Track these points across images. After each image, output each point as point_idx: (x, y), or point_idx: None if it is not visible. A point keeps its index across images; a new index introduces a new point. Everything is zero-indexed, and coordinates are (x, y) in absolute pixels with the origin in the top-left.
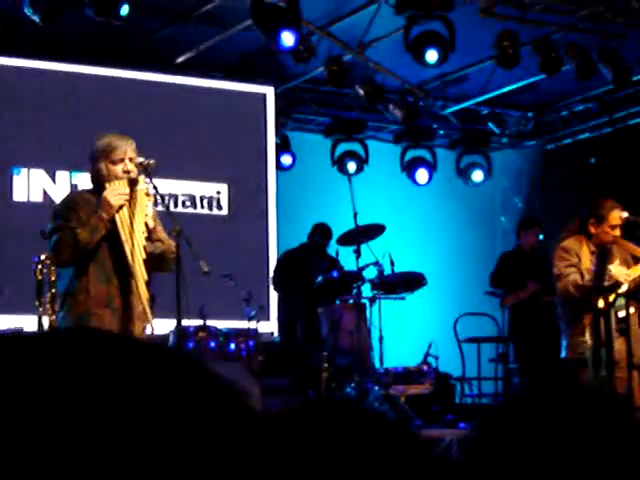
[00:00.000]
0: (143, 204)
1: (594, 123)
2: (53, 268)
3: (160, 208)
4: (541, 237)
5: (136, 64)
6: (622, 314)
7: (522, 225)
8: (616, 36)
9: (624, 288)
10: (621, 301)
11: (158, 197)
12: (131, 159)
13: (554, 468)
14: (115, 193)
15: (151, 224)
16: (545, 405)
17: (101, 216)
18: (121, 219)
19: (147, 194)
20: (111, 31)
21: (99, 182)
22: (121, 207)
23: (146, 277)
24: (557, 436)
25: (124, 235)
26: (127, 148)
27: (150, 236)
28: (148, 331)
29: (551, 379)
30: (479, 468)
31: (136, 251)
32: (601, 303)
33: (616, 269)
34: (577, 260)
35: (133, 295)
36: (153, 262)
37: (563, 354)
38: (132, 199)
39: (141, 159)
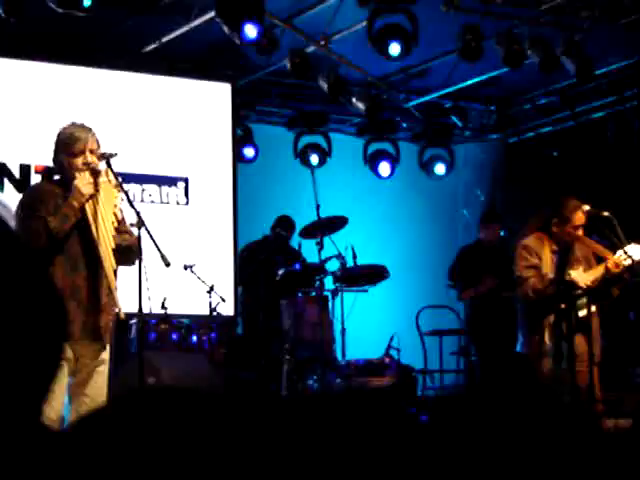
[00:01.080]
0: (111, 195)
1: (557, 117)
2: None
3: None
4: (502, 233)
5: (100, 56)
6: (583, 313)
7: (482, 219)
8: (579, 30)
9: (582, 287)
10: (582, 300)
11: (121, 189)
12: (92, 151)
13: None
14: (86, 182)
15: (119, 215)
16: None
17: (72, 204)
18: (90, 209)
19: (116, 186)
20: (74, 23)
21: (63, 174)
22: (92, 196)
23: (115, 266)
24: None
25: (93, 224)
26: (88, 140)
27: (118, 227)
28: (116, 317)
29: (506, 372)
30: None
31: (105, 241)
32: (563, 305)
33: (577, 274)
34: (537, 261)
35: (101, 286)
36: (119, 254)
37: (519, 349)
38: (99, 190)
39: (103, 151)
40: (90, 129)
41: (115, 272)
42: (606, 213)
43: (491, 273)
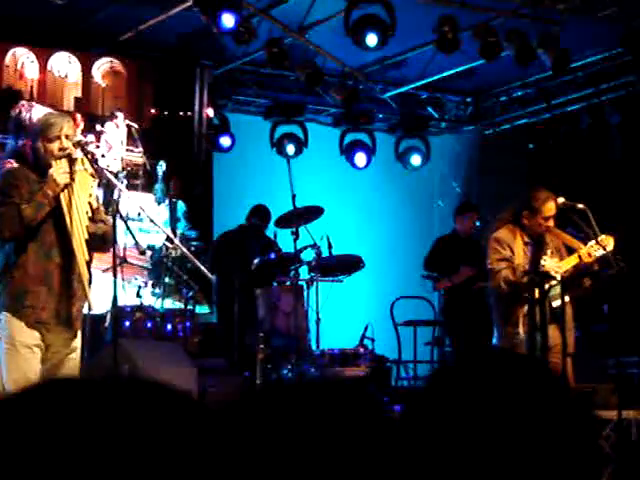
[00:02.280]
0: (87, 184)
1: (533, 109)
2: None
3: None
4: (477, 223)
5: (76, 44)
6: (556, 303)
7: (458, 210)
8: (555, 22)
9: (557, 278)
10: (556, 290)
11: (97, 177)
12: (67, 136)
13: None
14: (61, 171)
15: (95, 205)
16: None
17: (46, 193)
18: (65, 198)
19: (92, 175)
20: (53, 9)
21: (38, 160)
22: (66, 186)
23: (87, 257)
24: (487, 399)
25: (67, 214)
26: (63, 125)
27: (94, 217)
28: (86, 311)
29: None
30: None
31: (78, 231)
32: (536, 294)
33: (548, 262)
34: (510, 253)
35: (73, 274)
36: (94, 242)
37: (495, 342)
38: (74, 179)
39: (79, 137)
40: (66, 116)
41: (88, 263)
42: (581, 205)
43: (467, 264)
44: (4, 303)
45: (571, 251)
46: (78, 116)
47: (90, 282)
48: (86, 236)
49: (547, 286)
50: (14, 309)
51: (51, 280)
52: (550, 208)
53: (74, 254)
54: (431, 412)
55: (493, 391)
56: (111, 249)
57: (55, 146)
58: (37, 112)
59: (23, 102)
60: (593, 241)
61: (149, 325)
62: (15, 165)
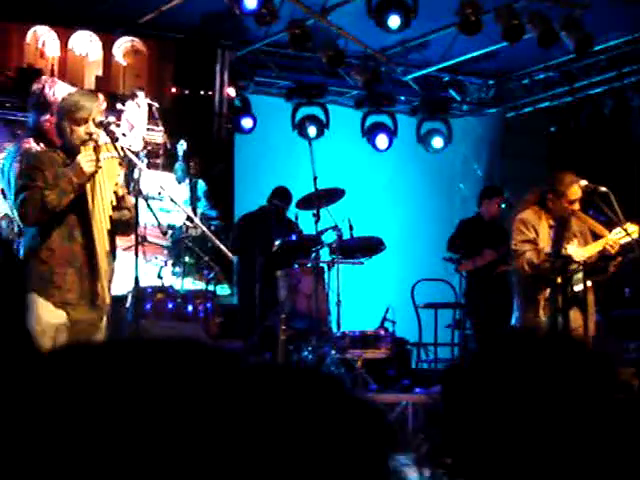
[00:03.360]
0: (114, 172)
1: (555, 92)
2: (11, 226)
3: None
4: (503, 206)
5: (98, 25)
6: (578, 288)
7: (485, 194)
8: (578, 5)
9: (580, 262)
10: (578, 275)
11: (123, 163)
12: (94, 120)
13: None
14: (88, 159)
15: (120, 192)
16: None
17: (72, 180)
18: (91, 186)
19: (120, 163)
20: None
21: (64, 140)
22: (93, 174)
23: (107, 247)
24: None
25: (91, 202)
26: (93, 108)
27: (119, 204)
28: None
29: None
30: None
31: (101, 220)
32: (559, 279)
33: (573, 249)
34: (534, 235)
35: (97, 254)
36: (118, 229)
37: (513, 323)
38: (101, 167)
39: (101, 118)
40: (96, 98)
41: (113, 252)
42: (603, 188)
43: (490, 247)
44: (31, 284)
45: (596, 236)
46: (100, 96)
47: (112, 269)
48: (108, 226)
49: (571, 270)
50: (41, 290)
51: (76, 261)
52: (575, 192)
53: (95, 243)
54: (474, 391)
55: (536, 370)
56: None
57: (82, 129)
58: (60, 88)
59: (45, 77)
60: (618, 228)
61: (170, 306)
62: (37, 147)
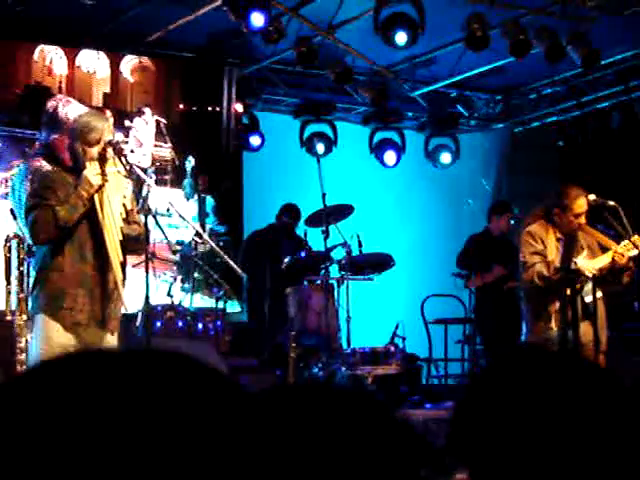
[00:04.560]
0: (121, 186)
1: (562, 106)
2: (22, 246)
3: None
4: (512, 222)
5: (105, 45)
6: (589, 299)
7: (494, 210)
8: (585, 19)
9: (589, 276)
10: (588, 286)
11: (130, 178)
12: (104, 139)
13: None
14: (95, 172)
15: (129, 206)
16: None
17: (80, 194)
18: (100, 199)
19: (126, 176)
20: (81, 11)
21: (74, 160)
22: (100, 187)
23: (121, 258)
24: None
25: (101, 215)
26: (104, 129)
27: (127, 218)
28: (122, 311)
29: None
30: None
31: (112, 232)
32: (568, 292)
33: (583, 262)
34: (542, 247)
35: (108, 275)
36: (128, 244)
37: (523, 339)
38: (108, 180)
39: (109, 137)
40: (106, 118)
41: (123, 265)
42: (612, 203)
43: (499, 263)
44: (41, 305)
45: (604, 249)
46: (108, 113)
47: (124, 282)
48: (120, 237)
49: (579, 284)
50: (51, 311)
51: (88, 282)
52: (581, 205)
53: (108, 255)
54: (486, 407)
55: (547, 387)
56: (144, 250)
57: (94, 150)
58: (74, 109)
59: (60, 96)
60: (626, 240)
61: (180, 324)
62: (48, 166)
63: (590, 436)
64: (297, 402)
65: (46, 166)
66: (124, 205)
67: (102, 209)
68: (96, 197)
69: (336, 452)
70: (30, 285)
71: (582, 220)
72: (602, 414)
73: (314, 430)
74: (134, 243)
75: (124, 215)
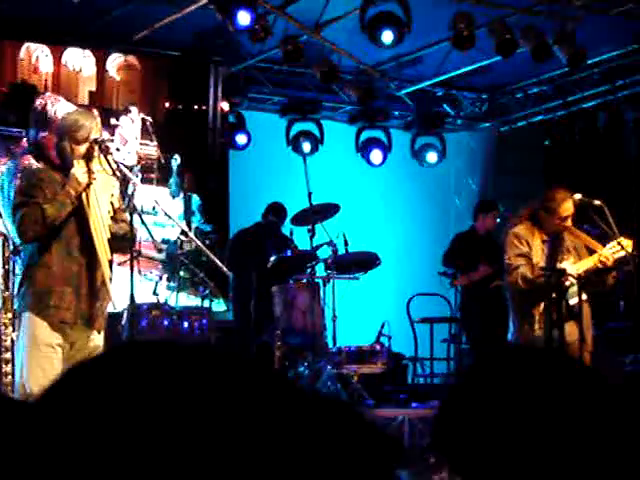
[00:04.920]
0: (109, 184)
1: (548, 106)
2: (6, 244)
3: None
4: (498, 221)
5: (93, 42)
6: (573, 301)
7: (481, 208)
8: (571, 19)
9: (574, 276)
10: (573, 288)
11: (116, 176)
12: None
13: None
14: (82, 171)
15: (116, 204)
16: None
17: (68, 192)
18: (87, 197)
19: (114, 174)
20: (67, 10)
21: (61, 158)
22: (88, 185)
23: (109, 256)
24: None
25: (89, 213)
26: (92, 127)
27: (115, 216)
28: (110, 309)
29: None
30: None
31: (100, 230)
32: (553, 294)
33: (568, 266)
34: (527, 249)
35: (96, 273)
36: (116, 243)
37: (509, 338)
38: (96, 178)
39: (95, 136)
40: (94, 116)
41: (110, 262)
42: (597, 202)
43: (485, 261)
44: (27, 303)
45: (591, 251)
46: (95, 112)
47: (111, 280)
48: (108, 235)
49: (566, 284)
50: (38, 309)
51: (75, 280)
52: (567, 208)
53: (96, 253)
54: (472, 407)
55: (532, 386)
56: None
57: (82, 148)
58: (62, 107)
59: (49, 94)
60: (613, 242)
61: (166, 323)
62: (37, 164)
63: (576, 434)
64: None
65: (35, 164)
66: (112, 203)
67: (90, 207)
68: (84, 195)
69: (303, 457)
70: (16, 283)
71: (568, 223)
72: (588, 412)
73: (280, 435)
74: (121, 241)
75: (112, 213)
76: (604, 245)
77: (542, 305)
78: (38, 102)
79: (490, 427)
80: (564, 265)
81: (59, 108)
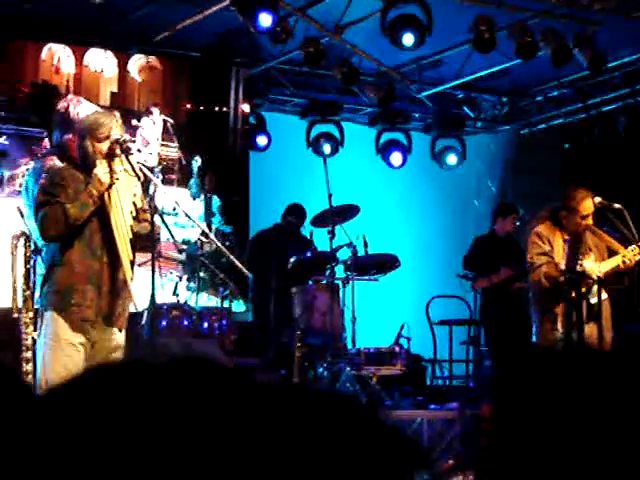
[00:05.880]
0: (131, 184)
1: (568, 109)
2: (28, 244)
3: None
4: (517, 224)
5: (114, 43)
6: (594, 300)
7: (500, 211)
8: (592, 22)
9: (594, 278)
10: (593, 287)
11: (139, 177)
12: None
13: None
14: (105, 171)
15: (139, 204)
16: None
17: (91, 192)
18: (110, 197)
19: (137, 175)
20: (89, 10)
21: (84, 159)
22: (110, 185)
23: (131, 256)
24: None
25: (111, 213)
26: (112, 125)
27: (138, 216)
28: (132, 309)
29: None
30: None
31: (123, 230)
32: (574, 293)
33: (589, 264)
34: (549, 248)
35: (118, 273)
36: (139, 242)
37: (533, 339)
38: (119, 179)
39: (117, 136)
40: (114, 115)
41: (132, 262)
42: (617, 205)
43: (506, 264)
44: (50, 301)
45: (612, 252)
46: (117, 114)
47: (132, 280)
48: (130, 235)
49: (585, 287)
50: (60, 307)
51: (97, 278)
52: (587, 207)
53: (118, 252)
54: (522, 405)
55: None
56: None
57: (104, 146)
58: (84, 108)
59: (71, 97)
60: (634, 245)
61: (186, 323)
62: (61, 164)
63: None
64: (278, 407)
65: (58, 164)
66: (134, 203)
67: (112, 207)
68: (106, 195)
69: (321, 459)
70: (39, 282)
71: (589, 221)
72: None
73: (297, 437)
74: (144, 241)
75: (134, 213)
76: (626, 247)
77: (563, 304)
78: (61, 105)
79: (539, 426)
80: (585, 263)
81: (81, 110)
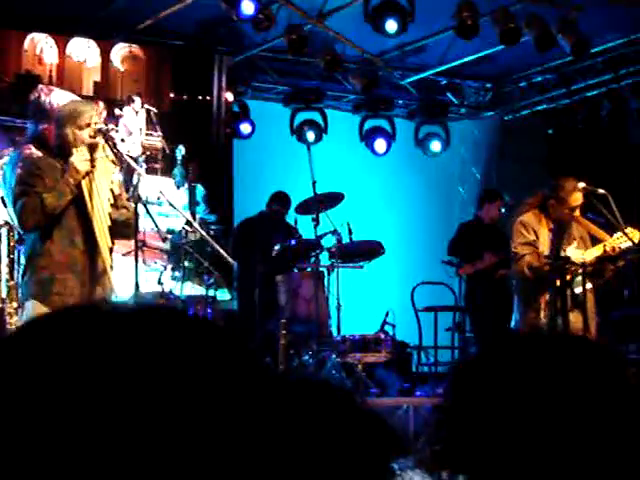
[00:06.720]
0: (108, 171)
1: (552, 94)
2: (12, 234)
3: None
4: (503, 210)
5: (97, 32)
6: (578, 290)
7: (485, 197)
8: (575, 8)
9: (579, 264)
10: (578, 277)
11: (118, 163)
12: (96, 124)
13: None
14: (82, 159)
15: (117, 191)
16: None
17: (68, 181)
18: (87, 185)
19: (113, 161)
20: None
21: (63, 147)
22: (87, 173)
23: (110, 244)
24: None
25: (89, 201)
26: (93, 113)
27: (115, 203)
28: (112, 297)
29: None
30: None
31: (100, 217)
32: (558, 282)
33: (573, 252)
34: (534, 237)
35: (97, 260)
36: (117, 229)
37: (513, 326)
38: (95, 165)
39: (100, 125)
40: (94, 103)
41: (111, 249)
42: (602, 190)
43: (490, 250)
44: (31, 291)
45: (596, 240)
46: (101, 104)
47: (112, 267)
48: (109, 223)
49: (572, 271)
50: (41, 297)
51: (77, 267)
52: (577, 199)
53: (97, 240)
54: (481, 390)
55: (546, 369)
56: (134, 235)
57: (85, 134)
58: (57, 96)
59: (41, 86)
60: (619, 232)
61: None
62: (38, 153)
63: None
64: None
65: (36, 153)
66: (111, 190)
67: (90, 195)
68: (84, 183)
69: (301, 445)
70: (20, 272)
71: (577, 213)
72: (611, 395)
73: (277, 424)
74: (123, 228)
75: (112, 200)
76: (610, 235)
77: (547, 294)
78: (32, 96)
79: (499, 413)
80: (568, 251)
81: (54, 98)
